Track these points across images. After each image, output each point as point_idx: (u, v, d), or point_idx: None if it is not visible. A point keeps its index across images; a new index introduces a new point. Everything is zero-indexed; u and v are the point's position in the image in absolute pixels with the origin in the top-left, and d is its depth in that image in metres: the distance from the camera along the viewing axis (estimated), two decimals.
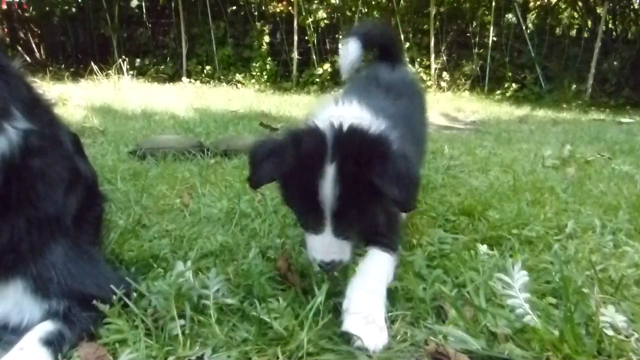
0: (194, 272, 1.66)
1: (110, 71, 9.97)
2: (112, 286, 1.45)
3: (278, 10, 12.76)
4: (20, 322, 1.39)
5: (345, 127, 1.45)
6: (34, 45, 13.14)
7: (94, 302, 1.41)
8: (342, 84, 2.53)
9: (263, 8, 12.75)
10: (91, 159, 3.50)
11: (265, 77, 12.07)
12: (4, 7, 13.03)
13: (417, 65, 11.98)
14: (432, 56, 11.95)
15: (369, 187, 1.37)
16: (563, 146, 4.56)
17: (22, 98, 1.37)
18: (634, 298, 1.64)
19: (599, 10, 11.75)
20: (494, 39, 12.12)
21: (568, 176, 3.53)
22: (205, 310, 1.52)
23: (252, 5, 12.63)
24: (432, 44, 11.94)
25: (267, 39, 12.30)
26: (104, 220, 2.04)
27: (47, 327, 1.36)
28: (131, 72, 10.48)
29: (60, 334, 1.36)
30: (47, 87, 8.24)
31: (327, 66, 11.92)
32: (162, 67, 12.59)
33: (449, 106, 9.14)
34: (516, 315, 1.45)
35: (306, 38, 12.11)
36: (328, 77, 11.87)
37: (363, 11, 12.08)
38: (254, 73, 12.07)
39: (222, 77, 11.98)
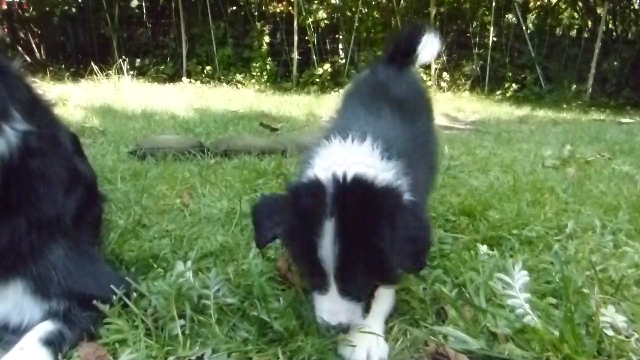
0: (194, 272, 1.66)
1: (110, 71, 9.97)
2: (112, 286, 1.45)
3: (278, 10, 12.77)
4: (21, 322, 1.40)
5: (348, 179, 1.31)
6: (34, 46, 13.13)
7: (94, 302, 1.41)
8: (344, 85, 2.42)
9: (263, 8, 12.75)
10: (91, 159, 3.50)
11: (265, 77, 12.07)
12: (4, 7, 13.03)
13: (416, 65, 11.95)
14: None
15: (375, 247, 1.26)
16: (563, 146, 4.56)
17: (21, 99, 1.37)
18: (634, 298, 1.64)
19: (599, 10, 11.75)
20: (494, 39, 12.12)
21: (568, 176, 3.53)
22: (206, 310, 1.52)
23: (252, 6, 12.63)
24: None
25: (267, 39, 12.29)
26: (103, 220, 2.04)
27: (47, 327, 1.36)
28: (131, 72, 10.48)
29: (60, 334, 1.36)
30: (47, 87, 8.24)
31: (327, 66, 11.92)
32: (162, 67, 12.59)
33: (449, 106, 9.15)
34: (516, 316, 1.45)
35: (306, 38, 12.11)
36: (328, 77, 11.87)
37: (363, 11, 12.08)
38: (254, 73, 12.07)
39: (222, 77, 11.98)
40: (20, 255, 1.36)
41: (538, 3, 12.81)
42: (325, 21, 12.32)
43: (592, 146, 5.07)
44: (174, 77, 12.14)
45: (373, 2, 12.29)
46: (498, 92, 11.62)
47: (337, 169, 1.34)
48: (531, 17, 12.83)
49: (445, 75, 12.17)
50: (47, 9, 12.90)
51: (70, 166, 1.59)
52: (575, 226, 2.34)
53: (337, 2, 12.28)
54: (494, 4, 11.86)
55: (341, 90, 11.11)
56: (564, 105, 10.11)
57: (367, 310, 1.38)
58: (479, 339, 1.43)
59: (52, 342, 1.33)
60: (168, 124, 5.75)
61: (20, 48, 12.87)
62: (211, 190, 2.94)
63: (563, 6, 12.71)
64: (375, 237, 1.25)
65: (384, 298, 1.56)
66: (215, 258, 1.98)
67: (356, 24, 11.92)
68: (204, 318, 1.50)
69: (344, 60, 12.21)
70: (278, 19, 12.67)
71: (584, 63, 11.33)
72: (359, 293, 1.34)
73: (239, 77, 12.01)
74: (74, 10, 13.35)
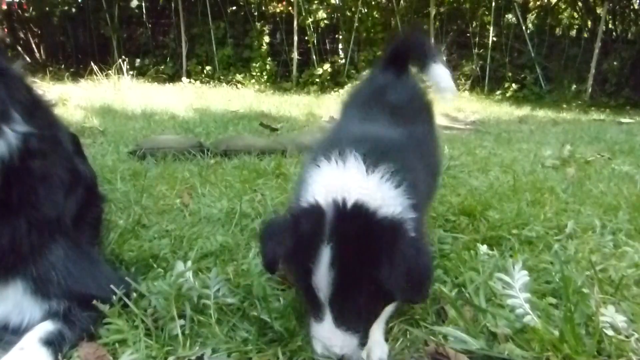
0: (194, 272, 1.66)
1: (110, 71, 9.97)
2: (112, 286, 1.45)
3: (278, 10, 12.76)
4: (21, 322, 1.40)
5: (348, 206, 1.27)
6: (33, 46, 13.13)
7: (94, 302, 1.41)
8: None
9: (263, 8, 12.75)
10: (91, 159, 3.50)
11: (265, 77, 12.07)
12: (4, 7, 13.03)
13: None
14: None
15: (372, 278, 1.22)
16: (563, 146, 4.56)
17: (22, 101, 1.38)
18: (634, 298, 1.64)
19: (599, 10, 11.76)
20: (494, 39, 12.12)
21: (568, 176, 3.53)
22: (206, 310, 1.52)
23: (252, 6, 12.63)
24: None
25: (267, 39, 12.29)
26: (103, 220, 2.04)
27: (47, 327, 1.37)
28: (131, 73, 10.48)
29: (60, 334, 1.36)
30: (46, 88, 8.24)
31: (327, 66, 11.92)
32: (162, 67, 12.59)
33: (449, 106, 9.14)
34: (516, 315, 1.45)
35: (306, 38, 12.11)
36: (328, 77, 11.87)
37: (363, 11, 12.08)
38: (254, 73, 12.07)
39: (222, 78, 11.98)
40: (21, 255, 1.37)
41: (538, 3, 12.81)
42: (325, 21, 12.32)
43: (592, 146, 5.07)
44: (174, 77, 12.14)
45: (373, 2, 12.29)
46: (498, 92, 11.63)
47: (338, 194, 1.30)
48: (531, 17, 12.84)
49: None
50: (47, 9, 12.91)
51: (71, 167, 1.59)
52: (575, 226, 2.34)
53: (337, 2, 12.28)
54: (493, 4, 11.87)
55: (341, 91, 11.15)
56: (564, 105, 10.11)
57: (365, 342, 1.32)
58: (479, 339, 1.43)
59: (52, 342, 1.33)
60: (168, 124, 5.76)
61: (20, 48, 12.88)
62: (211, 190, 2.94)
63: (563, 6, 12.71)
64: (373, 268, 1.22)
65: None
66: (215, 258, 1.98)
67: (356, 24, 11.92)
68: (204, 318, 1.49)
69: (343, 60, 12.21)
70: (278, 19, 12.67)
71: (583, 63, 11.34)
72: (356, 324, 1.28)
73: (238, 77, 12.01)
74: (73, 10, 13.35)
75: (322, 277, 1.22)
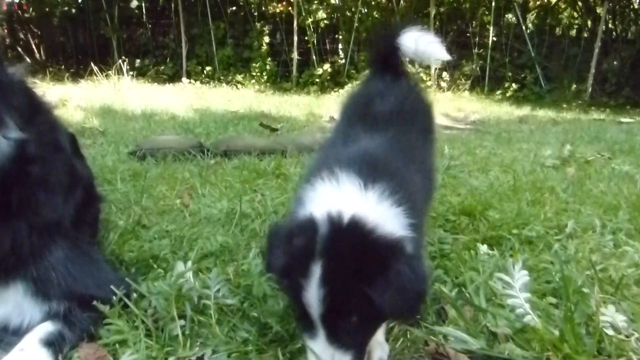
0: (194, 272, 1.66)
1: (110, 72, 9.98)
2: (112, 287, 1.46)
3: (278, 10, 12.76)
4: (21, 323, 1.40)
5: (343, 222, 1.24)
6: (33, 46, 13.14)
7: (94, 302, 1.41)
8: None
9: (263, 8, 12.75)
10: (91, 160, 3.52)
11: (265, 77, 12.07)
12: (4, 8, 13.03)
13: (416, 66, 11.97)
14: None
15: (364, 295, 1.18)
16: (563, 146, 4.56)
17: (18, 107, 1.39)
18: (634, 298, 1.64)
19: (598, 10, 11.76)
20: (494, 39, 12.12)
21: (568, 176, 3.53)
22: (206, 310, 1.52)
23: (252, 6, 12.63)
24: None
25: (267, 39, 12.29)
26: (101, 219, 2.05)
27: (48, 327, 1.37)
28: (131, 73, 10.49)
29: (60, 334, 1.36)
30: (46, 88, 8.24)
31: (327, 66, 11.92)
32: (162, 67, 12.59)
33: (449, 106, 9.14)
34: (516, 315, 1.45)
35: (306, 38, 12.11)
36: (328, 78, 11.87)
37: (363, 11, 12.08)
38: (254, 73, 12.07)
39: (222, 78, 11.98)
40: (21, 258, 1.37)
41: (538, 3, 12.81)
42: (325, 21, 12.31)
43: (592, 146, 5.07)
44: (174, 78, 12.15)
45: (373, 2, 12.29)
46: (498, 92, 11.63)
47: (334, 209, 1.26)
48: (531, 17, 12.83)
49: (445, 75, 12.16)
50: (47, 9, 12.90)
51: (69, 169, 1.59)
52: (575, 226, 2.34)
53: (337, 2, 12.28)
54: (493, 3, 11.86)
55: (341, 91, 11.16)
56: (564, 105, 10.11)
57: (361, 357, 1.28)
58: (479, 338, 1.43)
59: (53, 343, 1.33)
60: (168, 124, 5.76)
61: (20, 49, 12.89)
62: (211, 190, 2.94)
63: (563, 6, 12.71)
64: (365, 285, 1.17)
65: None
66: (215, 258, 1.98)
67: (356, 24, 11.92)
68: (204, 318, 1.50)
69: (343, 61, 12.21)
70: (278, 19, 12.67)
71: (583, 63, 11.33)
72: (349, 340, 1.24)
73: (238, 77, 12.01)
74: (73, 10, 13.35)
75: (314, 292, 1.19)
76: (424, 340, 1.45)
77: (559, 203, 2.75)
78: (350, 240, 1.22)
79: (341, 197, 1.31)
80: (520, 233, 2.23)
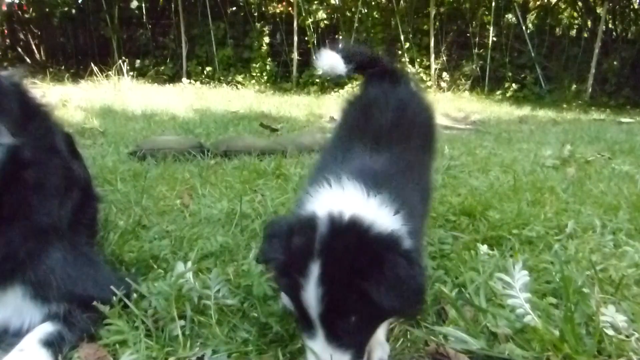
0: (195, 272, 1.66)
1: (110, 72, 9.99)
2: (112, 287, 1.46)
3: (278, 11, 12.77)
4: (21, 326, 1.41)
5: (344, 220, 1.25)
6: (33, 47, 13.15)
7: (94, 303, 1.41)
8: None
9: (263, 9, 12.76)
10: (91, 160, 3.52)
11: (265, 77, 12.08)
12: (4, 8, 13.04)
13: (417, 66, 11.98)
14: (432, 56, 11.95)
15: (363, 292, 1.18)
16: (563, 146, 4.56)
17: (11, 112, 1.39)
18: (634, 298, 1.64)
19: (598, 10, 11.76)
20: (494, 39, 12.12)
21: (568, 176, 3.53)
22: (206, 310, 1.52)
23: (252, 6, 12.64)
24: (432, 44, 11.95)
25: (267, 39, 12.30)
26: (100, 220, 2.05)
27: (47, 328, 1.37)
28: (131, 73, 10.49)
29: (60, 335, 1.36)
30: (46, 89, 8.26)
31: None
32: (162, 68, 12.61)
33: (449, 106, 9.14)
34: (516, 315, 1.45)
35: (306, 39, 12.12)
36: (328, 78, 11.86)
37: (363, 12, 12.09)
38: (254, 74, 12.08)
39: (222, 78, 11.99)
40: (18, 262, 1.37)
41: (538, 3, 12.81)
42: (325, 22, 12.32)
43: (592, 146, 5.07)
44: (174, 78, 12.15)
45: (373, 3, 12.30)
46: (498, 92, 11.63)
47: (335, 209, 1.27)
48: (531, 17, 12.84)
49: (445, 75, 12.17)
50: (47, 10, 12.91)
51: (66, 172, 1.59)
52: (576, 226, 2.34)
53: (337, 3, 12.29)
54: (493, 4, 11.87)
55: (341, 91, 11.16)
56: (564, 105, 10.11)
57: (361, 357, 1.28)
58: (479, 339, 1.42)
59: (52, 343, 1.33)
60: (168, 124, 5.76)
61: (20, 49, 12.90)
62: (211, 191, 2.94)
63: (563, 6, 12.71)
64: (364, 281, 1.17)
65: None
66: (215, 259, 1.98)
67: (356, 24, 11.93)
68: (204, 319, 1.50)
69: None
70: (278, 19, 12.68)
71: (583, 63, 11.34)
72: (348, 340, 1.24)
73: (238, 77, 12.02)
74: (73, 11, 13.37)
75: (313, 292, 1.19)
76: (424, 340, 1.45)
77: (559, 203, 2.75)
78: (348, 238, 1.22)
79: (343, 201, 1.31)
80: (521, 233, 2.23)
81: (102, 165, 3.51)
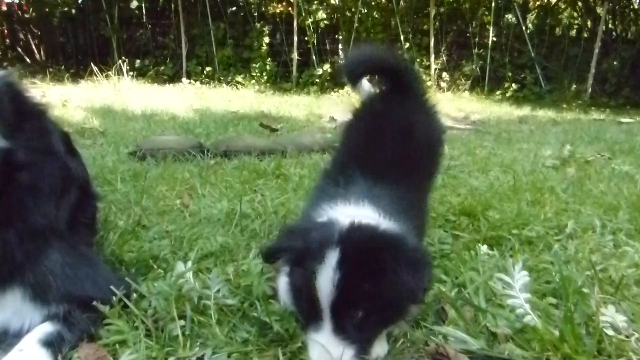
0: (194, 272, 1.66)
1: (110, 72, 9.98)
2: (112, 287, 1.46)
3: (278, 11, 12.77)
4: (21, 327, 1.41)
5: (361, 221, 1.37)
6: (33, 47, 13.14)
7: (94, 303, 1.41)
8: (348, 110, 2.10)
9: (263, 9, 12.75)
10: (91, 160, 3.53)
11: (265, 77, 12.07)
12: (4, 8, 13.04)
13: (417, 66, 11.98)
14: (432, 56, 11.95)
15: (376, 281, 1.26)
16: (563, 146, 4.56)
17: (4, 115, 1.39)
18: (634, 298, 1.64)
19: (598, 10, 11.76)
20: (494, 39, 12.12)
21: (568, 176, 3.53)
22: (206, 310, 1.52)
23: (252, 6, 12.63)
24: (431, 44, 11.95)
25: (266, 39, 12.29)
26: (98, 219, 2.04)
27: (47, 328, 1.37)
28: (131, 73, 10.49)
29: (59, 335, 1.36)
30: (46, 89, 8.26)
31: (326, 67, 11.92)
32: (162, 68, 12.59)
33: (449, 106, 9.13)
34: (516, 315, 1.45)
35: (306, 39, 12.11)
36: (328, 78, 11.87)
37: (363, 12, 12.09)
38: (254, 74, 12.07)
39: (222, 78, 11.98)
40: (16, 264, 1.37)
41: (538, 3, 12.81)
42: (325, 21, 12.31)
43: (592, 146, 5.07)
44: (174, 78, 12.14)
45: (373, 3, 12.29)
46: (498, 92, 11.63)
47: (350, 216, 1.41)
48: (531, 17, 12.84)
49: (445, 75, 12.17)
50: (47, 10, 12.90)
51: (63, 172, 1.59)
52: (575, 226, 2.34)
53: (337, 3, 12.28)
54: (493, 4, 11.86)
55: (341, 91, 11.15)
56: (564, 105, 10.11)
57: (364, 355, 1.30)
58: (479, 339, 1.43)
59: (52, 343, 1.33)
60: (168, 124, 5.76)
61: (20, 49, 12.90)
62: (211, 190, 2.94)
63: (563, 6, 12.71)
64: (379, 266, 1.27)
65: None
66: (215, 259, 1.98)
67: (356, 24, 11.92)
68: (204, 319, 1.50)
69: (343, 61, 12.20)
70: (278, 19, 12.67)
71: (583, 63, 11.33)
72: (355, 335, 1.27)
73: (238, 77, 12.01)
74: (73, 11, 13.36)
75: (327, 278, 1.24)
76: (424, 341, 1.45)
77: (559, 203, 2.75)
78: (366, 232, 1.35)
79: (355, 212, 1.46)
80: (520, 233, 2.23)
81: (102, 165, 3.51)
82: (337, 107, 8.63)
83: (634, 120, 8.36)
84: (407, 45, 11.93)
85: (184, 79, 11.89)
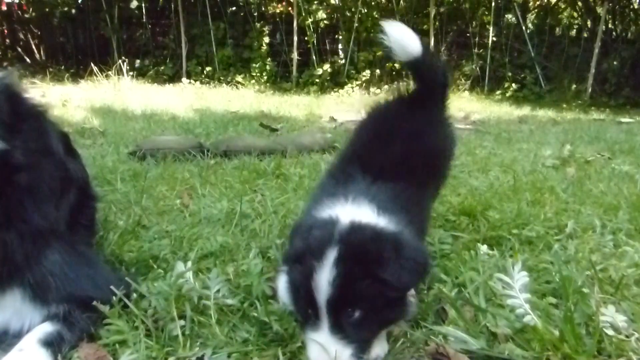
0: (194, 272, 1.66)
1: (110, 72, 9.98)
2: (112, 287, 1.46)
3: (278, 10, 12.76)
4: (21, 327, 1.41)
5: (361, 220, 1.40)
6: (33, 47, 13.13)
7: (94, 303, 1.41)
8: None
9: (263, 9, 12.75)
10: (91, 160, 3.52)
11: (265, 77, 12.07)
12: (4, 8, 13.03)
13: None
14: None
15: (375, 279, 1.26)
16: (563, 146, 4.56)
17: (1, 118, 1.38)
18: (634, 298, 1.64)
19: (598, 10, 11.76)
20: (494, 39, 12.12)
21: (568, 176, 3.53)
22: (206, 310, 1.52)
23: (252, 6, 12.63)
24: (431, 44, 11.93)
25: (266, 39, 12.29)
26: (98, 219, 2.04)
27: (47, 328, 1.37)
28: (131, 73, 10.49)
29: (59, 335, 1.36)
30: (46, 89, 8.26)
31: (326, 66, 11.92)
32: (162, 68, 12.59)
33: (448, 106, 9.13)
34: (516, 315, 1.45)
35: (306, 39, 12.11)
36: (328, 78, 11.87)
37: (363, 11, 12.08)
38: (254, 74, 12.06)
39: (221, 78, 11.98)
40: (15, 265, 1.37)
41: (537, 3, 12.81)
42: (325, 21, 12.30)
43: (592, 146, 5.07)
44: (174, 78, 12.14)
45: (373, 2, 12.29)
46: (498, 92, 11.62)
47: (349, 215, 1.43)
48: (531, 16, 12.83)
49: None
50: (47, 10, 12.90)
51: (62, 173, 1.59)
52: (575, 226, 2.34)
53: (337, 2, 12.28)
54: (493, 3, 11.86)
55: (341, 91, 11.15)
56: (564, 105, 10.10)
57: (361, 355, 1.30)
58: (479, 338, 1.43)
59: (52, 343, 1.33)
60: (168, 124, 5.76)
61: (20, 49, 12.89)
62: (211, 190, 2.94)
63: (563, 6, 12.71)
64: (376, 262, 1.28)
65: None
66: (215, 259, 1.98)
67: (356, 24, 11.92)
68: (204, 319, 1.50)
69: (343, 61, 12.21)
70: (278, 19, 12.67)
71: (583, 63, 11.33)
72: (352, 334, 1.27)
73: (238, 77, 12.01)
74: (73, 11, 13.34)
75: (326, 275, 1.25)
76: (424, 340, 1.45)
77: (559, 203, 2.75)
78: (366, 231, 1.36)
79: (358, 212, 1.46)
80: (520, 233, 2.23)
81: (102, 165, 3.51)
82: (337, 107, 8.63)
83: (633, 120, 8.35)
84: None
85: (184, 79, 11.89)
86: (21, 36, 13.23)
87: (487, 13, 12.26)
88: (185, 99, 8.40)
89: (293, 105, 8.25)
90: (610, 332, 1.38)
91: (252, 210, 2.55)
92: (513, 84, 11.66)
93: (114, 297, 1.45)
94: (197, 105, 7.68)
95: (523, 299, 1.44)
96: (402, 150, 1.78)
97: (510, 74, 11.79)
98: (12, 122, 1.41)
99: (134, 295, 1.52)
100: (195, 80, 11.79)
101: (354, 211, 1.47)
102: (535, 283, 1.73)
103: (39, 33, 13.33)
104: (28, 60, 12.78)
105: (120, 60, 10.23)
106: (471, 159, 4.08)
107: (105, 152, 4.07)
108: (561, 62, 11.79)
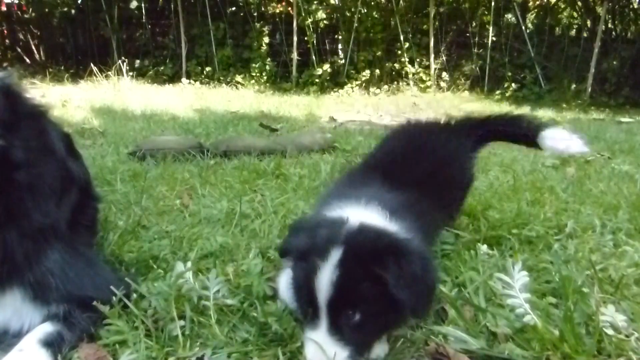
0: (194, 273, 1.66)
1: (110, 72, 9.99)
2: (112, 287, 1.46)
3: (277, 11, 12.76)
4: (21, 327, 1.41)
5: (370, 223, 1.40)
6: (33, 47, 13.13)
7: (95, 303, 1.41)
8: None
9: (262, 9, 12.75)
10: (91, 160, 3.52)
11: (265, 77, 12.07)
12: (4, 8, 13.03)
13: (416, 66, 11.98)
14: (432, 56, 11.95)
15: (378, 283, 1.25)
16: None
17: (0, 116, 1.38)
18: (634, 297, 1.64)
19: (598, 10, 11.75)
20: (494, 39, 12.12)
21: (568, 176, 3.53)
22: (206, 311, 1.52)
23: (252, 6, 12.62)
24: (431, 44, 11.94)
25: (266, 39, 12.29)
26: (98, 220, 2.04)
27: (47, 328, 1.37)
28: (131, 74, 10.49)
29: (59, 335, 1.36)
30: (46, 89, 8.26)
31: (326, 67, 11.92)
32: (162, 68, 12.58)
33: (449, 106, 9.14)
34: (516, 315, 1.45)
35: (305, 39, 12.10)
36: (328, 78, 11.87)
37: (362, 11, 12.08)
38: (254, 74, 12.06)
39: (221, 78, 11.98)
40: (15, 264, 1.37)
41: (537, 3, 12.81)
42: (325, 21, 12.30)
43: (592, 146, 5.05)
44: (174, 78, 12.14)
45: (372, 2, 12.28)
46: (497, 92, 11.62)
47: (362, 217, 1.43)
48: (530, 16, 12.83)
49: (444, 75, 12.16)
50: (47, 10, 12.90)
51: (63, 172, 1.58)
52: (575, 225, 2.34)
53: (337, 3, 12.28)
54: (493, 3, 11.85)
55: (341, 91, 11.15)
56: (564, 105, 10.10)
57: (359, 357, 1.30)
58: (479, 338, 1.43)
59: (52, 343, 1.33)
60: (168, 124, 5.76)
61: (19, 49, 12.89)
62: (211, 191, 2.94)
63: (562, 6, 12.71)
64: (380, 268, 1.25)
65: None
66: (214, 259, 1.98)
67: (355, 24, 11.91)
68: (203, 319, 1.50)
69: (343, 61, 12.21)
70: (277, 19, 12.67)
71: (583, 62, 11.32)
72: (351, 336, 1.27)
73: (238, 77, 12.01)
74: (73, 11, 13.34)
75: (328, 273, 1.25)
76: (424, 340, 1.45)
77: (559, 203, 2.75)
78: (373, 233, 1.35)
79: (367, 215, 1.47)
80: (520, 233, 2.23)
81: (102, 165, 3.51)
82: (337, 107, 8.63)
83: (633, 119, 8.35)
84: (407, 45, 11.93)
85: (183, 79, 11.90)
86: (21, 36, 13.23)
87: (486, 13, 12.25)
88: (185, 99, 8.40)
89: (293, 106, 8.25)
90: (610, 331, 1.38)
91: (252, 210, 2.55)
92: (513, 84, 11.65)
93: (114, 297, 1.45)
94: (197, 105, 7.69)
95: (523, 299, 1.44)
96: (428, 170, 1.88)
97: (510, 73, 11.78)
98: (12, 121, 1.41)
99: (134, 295, 1.52)
100: (195, 81, 11.80)
101: (366, 214, 1.47)
102: (535, 283, 1.74)
103: (39, 33, 13.33)
104: (28, 60, 12.78)
105: (120, 61, 10.24)
106: None
107: (105, 152, 4.07)
108: (561, 62, 11.78)
